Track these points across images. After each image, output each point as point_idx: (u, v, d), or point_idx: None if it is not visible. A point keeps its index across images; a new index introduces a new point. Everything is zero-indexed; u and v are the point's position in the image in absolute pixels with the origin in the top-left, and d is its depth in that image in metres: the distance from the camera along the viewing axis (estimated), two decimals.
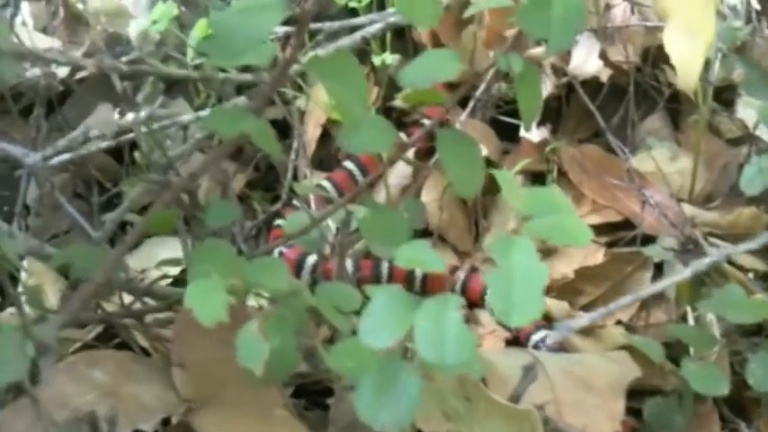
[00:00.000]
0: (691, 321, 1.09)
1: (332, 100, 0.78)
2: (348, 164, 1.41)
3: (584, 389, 0.89)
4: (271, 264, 0.74)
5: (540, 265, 0.53)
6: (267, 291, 0.73)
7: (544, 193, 0.58)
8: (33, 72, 1.34)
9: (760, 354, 0.88)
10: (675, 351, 1.04)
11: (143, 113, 0.75)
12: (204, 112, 1.01)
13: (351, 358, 0.63)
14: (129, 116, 0.75)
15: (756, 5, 1.00)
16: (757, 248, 1.09)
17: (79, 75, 1.40)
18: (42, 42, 1.51)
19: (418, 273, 1.24)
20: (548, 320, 1.13)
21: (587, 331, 1.13)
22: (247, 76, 0.92)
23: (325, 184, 1.39)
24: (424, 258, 0.58)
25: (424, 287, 1.24)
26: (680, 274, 0.83)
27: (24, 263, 1.01)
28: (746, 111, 1.31)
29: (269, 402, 0.79)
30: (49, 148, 0.80)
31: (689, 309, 1.10)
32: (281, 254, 1.23)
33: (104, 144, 0.82)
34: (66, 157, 0.84)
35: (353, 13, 1.45)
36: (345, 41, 1.09)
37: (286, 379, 0.83)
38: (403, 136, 1.42)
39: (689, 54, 0.80)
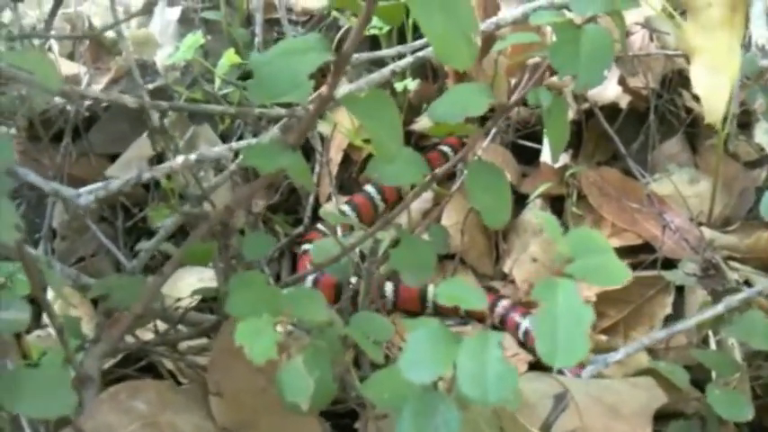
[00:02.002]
0: (712, 345, 1.10)
1: (368, 135, 0.80)
2: (369, 188, 1.43)
3: (611, 416, 0.91)
4: (308, 295, 0.75)
5: (584, 307, 0.54)
6: (305, 323, 0.75)
7: (585, 235, 0.59)
8: (61, 99, 1.37)
9: None
10: (697, 374, 1.06)
11: (193, 157, 0.76)
12: (240, 144, 1.02)
13: (387, 389, 0.65)
14: (179, 159, 0.77)
15: None
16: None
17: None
18: (68, 68, 1.54)
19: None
20: None
21: None
22: (282, 111, 0.94)
23: (345, 208, 1.41)
24: (463, 295, 0.59)
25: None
26: (712, 309, 0.85)
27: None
28: (765, 135, 1.33)
29: (305, 430, 0.81)
30: (96, 186, 0.82)
31: (710, 332, 1.11)
32: (316, 278, 1.25)
33: (146, 177, 0.84)
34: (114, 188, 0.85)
35: (375, 39, 1.48)
36: (375, 76, 1.10)
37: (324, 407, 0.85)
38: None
39: (715, 89, 0.81)
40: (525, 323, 1.20)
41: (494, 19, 1.15)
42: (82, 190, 0.81)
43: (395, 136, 0.79)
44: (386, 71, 1.12)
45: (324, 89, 0.74)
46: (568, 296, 0.54)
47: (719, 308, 0.81)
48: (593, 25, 0.82)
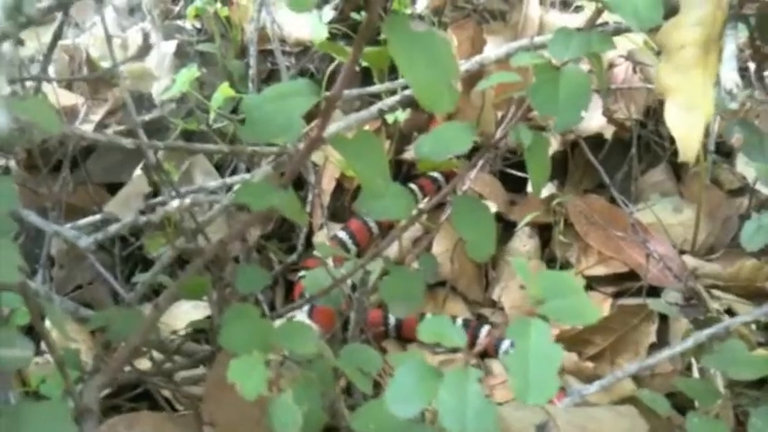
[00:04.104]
0: (695, 372, 1.13)
1: (355, 173, 0.83)
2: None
3: None
4: (298, 328, 0.78)
5: (555, 347, 0.57)
6: (295, 355, 0.78)
7: (556, 276, 0.62)
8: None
9: (761, 408, 0.92)
10: (683, 401, 1.08)
11: (187, 201, 0.79)
12: (234, 179, 1.06)
13: (374, 421, 0.68)
14: (174, 203, 0.80)
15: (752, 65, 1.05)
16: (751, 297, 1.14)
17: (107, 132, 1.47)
18: (67, 100, 1.57)
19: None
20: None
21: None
22: (274, 149, 0.97)
23: (341, 234, 1.44)
24: (444, 332, 0.62)
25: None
26: (694, 339, 0.88)
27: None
28: (746, 166, 1.36)
29: None
30: (100, 234, 0.85)
31: (693, 360, 1.14)
32: (311, 307, 1.28)
33: (142, 221, 0.87)
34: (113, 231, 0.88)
35: (367, 71, 1.51)
36: (364, 114, 1.14)
37: None
38: (414, 186, 1.50)
39: (689, 128, 0.84)
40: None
41: (477, 58, 1.18)
42: (82, 225, 0.84)
43: (382, 174, 0.82)
44: (374, 109, 1.16)
45: (314, 129, 0.77)
46: (540, 336, 0.57)
47: (702, 336, 0.84)
48: (572, 67, 0.85)
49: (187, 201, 0.77)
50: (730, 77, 0.82)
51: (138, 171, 1.31)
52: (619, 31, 1.05)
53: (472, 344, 1.28)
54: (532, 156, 0.90)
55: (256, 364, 0.67)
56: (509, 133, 0.91)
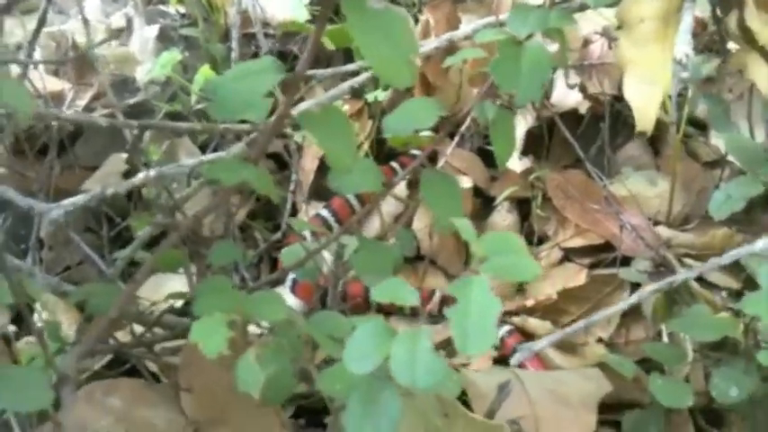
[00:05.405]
0: (665, 338, 1.16)
1: (322, 148, 0.86)
2: None
3: (561, 405, 0.97)
4: (269, 297, 0.81)
5: (493, 300, 0.60)
6: (266, 321, 0.81)
7: (499, 237, 0.65)
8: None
9: (722, 369, 0.95)
10: (655, 366, 1.12)
11: (152, 173, 0.82)
12: (208, 156, 1.09)
13: (339, 381, 0.71)
14: (140, 175, 0.83)
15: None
16: (725, 265, 1.16)
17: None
18: (53, 85, 1.60)
19: None
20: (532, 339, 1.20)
21: (571, 349, 1.21)
22: (245, 127, 0.99)
23: (324, 212, 1.47)
24: (398, 293, 0.65)
25: None
26: (638, 296, 0.91)
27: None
28: (718, 138, 1.39)
29: (269, 423, 0.87)
30: (67, 201, 0.88)
31: (663, 327, 1.17)
32: (294, 281, 1.31)
33: (111, 191, 0.89)
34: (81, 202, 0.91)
35: (349, 52, 1.54)
36: (335, 91, 1.17)
37: (284, 401, 0.91)
38: (396, 165, 1.52)
39: (646, 100, 0.87)
40: None
41: (447, 35, 1.21)
42: (53, 204, 0.88)
43: (348, 149, 0.85)
44: (345, 86, 1.19)
45: (280, 106, 0.80)
46: (480, 291, 0.60)
47: (649, 289, 0.87)
48: (534, 42, 0.88)
49: (152, 173, 0.80)
50: (683, 49, 0.85)
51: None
52: (583, 7, 1.07)
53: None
54: (496, 130, 0.92)
55: (218, 325, 0.70)
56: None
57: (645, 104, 0.88)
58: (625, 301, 0.89)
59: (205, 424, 0.86)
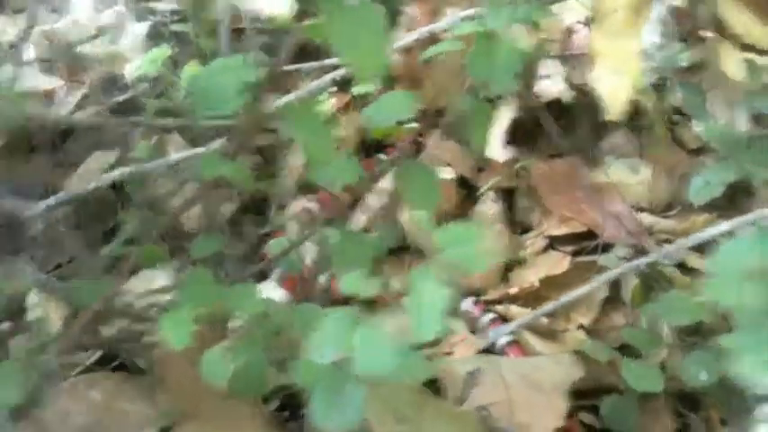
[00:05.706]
0: (644, 324, 1.18)
1: (297, 141, 0.88)
2: None
3: (534, 390, 0.99)
4: (246, 290, 0.83)
5: (441, 291, 0.62)
6: (244, 314, 0.83)
7: (457, 228, 0.68)
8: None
9: (694, 353, 0.97)
10: (633, 352, 1.14)
11: (130, 169, 0.85)
12: (188, 153, 1.11)
13: (308, 372, 0.73)
14: (116, 171, 0.85)
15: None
16: (705, 250, 1.18)
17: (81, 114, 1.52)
18: (45, 83, 1.62)
19: None
20: None
21: (551, 336, 1.23)
22: (226, 122, 1.02)
23: (312, 205, 1.49)
24: (361, 285, 0.67)
25: None
26: (606, 276, 0.92)
27: (32, 294, 1.12)
28: (698, 126, 1.40)
29: (241, 416, 0.89)
30: (51, 199, 0.91)
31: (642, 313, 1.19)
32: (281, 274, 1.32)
33: (94, 186, 0.92)
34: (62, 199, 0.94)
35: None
36: (315, 84, 1.19)
37: (268, 394, 0.93)
38: (383, 156, 1.54)
39: (615, 89, 0.89)
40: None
41: (426, 28, 1.23)
42: (34, 203, 0.90)
43: (324, 142, 0.87)
44: (326, 79, 1.21)
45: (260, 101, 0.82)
46: (430, 282, 0.62)
47: (617, 270, 0.89)
48: (506, 35, 0.89)
49: (127, 170, 0.82)
50: (650, 39, 0.86)
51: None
52: None
53: None
54: (474, 123, 0.94)
55: (184, 318, 0.72)
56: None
57: (613, 94, 0.89)
58: (591, 283, 0.90)
59: (180, 416, 0.89)
